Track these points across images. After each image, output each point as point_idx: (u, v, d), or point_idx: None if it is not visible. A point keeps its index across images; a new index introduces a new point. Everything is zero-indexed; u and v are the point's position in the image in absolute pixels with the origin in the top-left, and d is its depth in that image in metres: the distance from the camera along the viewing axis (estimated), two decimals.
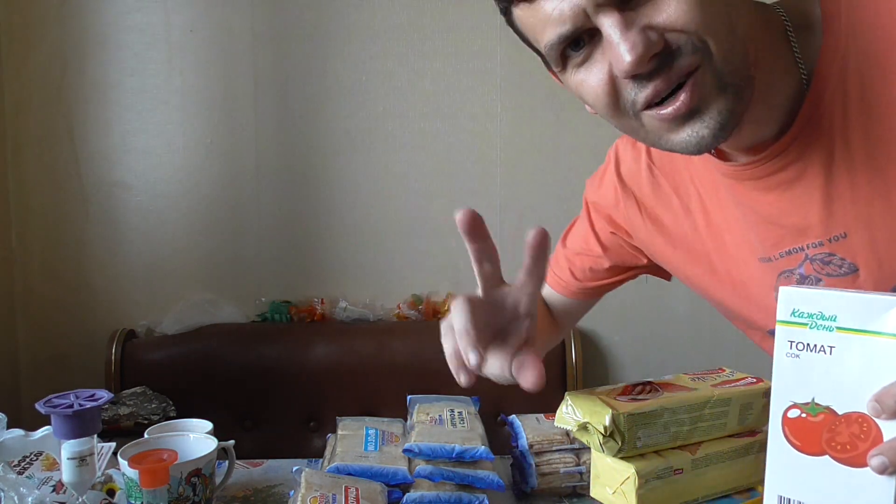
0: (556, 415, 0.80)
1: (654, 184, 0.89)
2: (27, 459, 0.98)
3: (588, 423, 0.85)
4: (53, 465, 0.98)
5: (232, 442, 1.07)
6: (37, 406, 0.85)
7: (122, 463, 0.94)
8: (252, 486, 1.12)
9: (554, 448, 1.06)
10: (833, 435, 0.58)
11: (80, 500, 0.88)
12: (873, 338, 0.56)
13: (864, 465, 0.56)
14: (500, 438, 1.24)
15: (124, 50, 2.06)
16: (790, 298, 0.61)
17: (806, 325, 0.60)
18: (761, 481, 0.95)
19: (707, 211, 0.84)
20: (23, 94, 2.06)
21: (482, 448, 1.01)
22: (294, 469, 1.00)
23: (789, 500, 0.62)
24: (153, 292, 2.11)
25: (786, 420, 0.61)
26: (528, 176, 2.12)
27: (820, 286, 0.75)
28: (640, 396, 0.81)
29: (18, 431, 1.00)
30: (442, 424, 1.09)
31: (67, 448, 0.85)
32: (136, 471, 0.87)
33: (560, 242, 1.07)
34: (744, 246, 0.81)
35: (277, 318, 2.10)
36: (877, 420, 0.56)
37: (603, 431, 0.84)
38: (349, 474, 0.99)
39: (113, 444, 1.03)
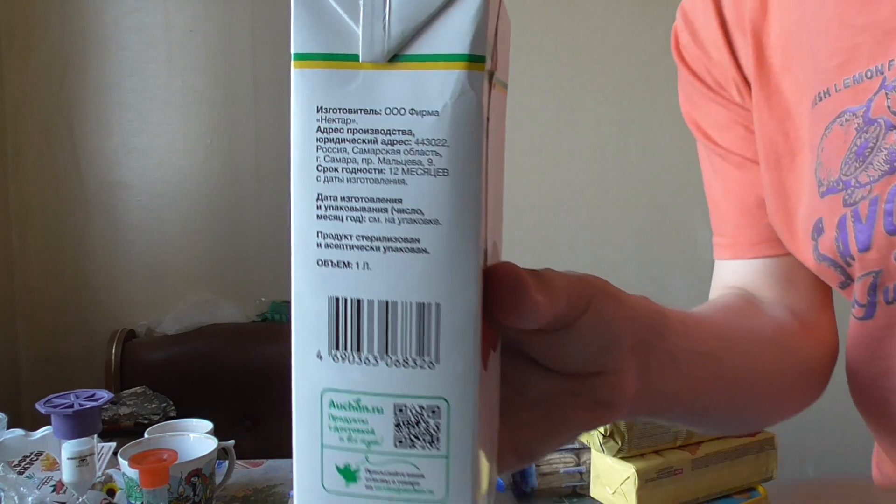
0: None
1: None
2: (27, 459, 0.98)
3: None
4: (53, 465, 0.98)
5: (232, 442, 1.07)
6: (37, 406, 0.85)
7: (122, 463, 0.94)
8: (252, 486, 1.12)
9: None
10: None
11: (80, 500, 0.88)
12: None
13: None
14: None
15: (124, 50, 2.06)
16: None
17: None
18: (761, 481, 0.95)
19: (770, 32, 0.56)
20: (23, 94, 2.06)
21: None
22: None
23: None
24: (153, 292, 2.11)
25: None
26: (526, 177, 2.12)
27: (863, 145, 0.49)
28: None
29: (18, 431, 1.00)
30: None
31: (67, 448, 0.85)
32: (136, 471, 0.87)
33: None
34: (802, 77, 0.54)
35: (277, 318, 2.09)
36: None
37: (603, 431, 0.84)
38: None
39: (113, 444, 1.03)
